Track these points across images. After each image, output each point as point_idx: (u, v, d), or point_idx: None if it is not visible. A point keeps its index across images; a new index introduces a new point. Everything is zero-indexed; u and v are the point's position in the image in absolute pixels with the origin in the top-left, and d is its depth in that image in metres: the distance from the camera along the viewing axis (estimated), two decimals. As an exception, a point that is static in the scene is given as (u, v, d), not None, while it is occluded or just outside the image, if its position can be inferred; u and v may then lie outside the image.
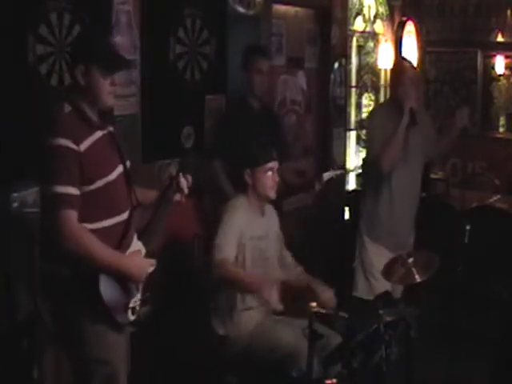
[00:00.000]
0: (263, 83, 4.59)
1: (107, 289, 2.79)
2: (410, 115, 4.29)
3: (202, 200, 4.60)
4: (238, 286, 3.61)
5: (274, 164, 3.78)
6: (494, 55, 7.42)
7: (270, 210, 3.92)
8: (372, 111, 5.74)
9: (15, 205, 3.53)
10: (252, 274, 3.67)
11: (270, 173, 3.75)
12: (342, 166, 4.85)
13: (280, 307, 3.58)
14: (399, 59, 5.16)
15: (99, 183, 2.80)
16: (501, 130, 7.49)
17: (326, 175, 4.55)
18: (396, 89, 4.47)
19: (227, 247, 3.60)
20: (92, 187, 2.78)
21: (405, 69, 4.55)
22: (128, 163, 2.98)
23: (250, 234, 3.69)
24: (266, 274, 3.79)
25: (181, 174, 3.05)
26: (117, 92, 3.20)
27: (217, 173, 4.46)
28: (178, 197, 3.07)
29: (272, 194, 3.78)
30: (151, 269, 2.95)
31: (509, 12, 7.21)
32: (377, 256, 4.48)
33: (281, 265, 3.94)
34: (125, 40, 4.16)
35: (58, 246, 2.73)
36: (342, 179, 6.71)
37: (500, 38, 7.32)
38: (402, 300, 3.97)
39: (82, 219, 2.76)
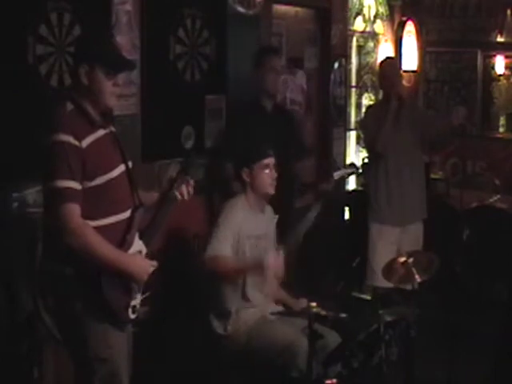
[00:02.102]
0: (277, 82, 4.61)
1: (109, 287, 2.79)
2: (397, 99, 4.76)
3: (211, 200, 4.58)
4: (234, 276, 3.62)
5: (270, 160, 3.77)
6: (494, 55, 7.42)
7: (268, 209, 3.92)
8: (368, 107, 6.03)
9: (15, 205, 3.52)
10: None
11: (267, 170, 3.74)
12: (354, 165, 4.93)
13: (281, 274, 3.58)
14: (387, 59, 5.42)
15: (100, 180, 2.80)
16: (501, 130, 7.49)
17: (337, 174, 4.57)
18: (384, 82, 4.99)
19: (220, 245, 3.60)
20: (93, 183, 2.79)
21: (389, 63, 5.16)
22: (130, 163, 2.98)
23: (248, 232, 3.68)
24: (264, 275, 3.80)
25: (181, 179, 3.05)
26: (117, 92, 3.20)
27: (229, 175, 4.43)
28: (179, 198, 3.08)
29: (271, 190, 3.78)
30: (152, 269, 2.95)
31: (509, 12, 7.20)
32: (382, 242, 4.81)
33: None
34: (125, 40, 4.16)
35: (60, 240, 2.73)
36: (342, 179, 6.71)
37: (500, 38, 7.32)
38: (419, 291, 3.96)
39: (84, 216, 2.76)
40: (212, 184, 4.34)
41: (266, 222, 3.84)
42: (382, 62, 5.24)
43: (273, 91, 4.61)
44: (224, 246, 3.61)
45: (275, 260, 3.49)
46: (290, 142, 4.51)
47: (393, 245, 4.72)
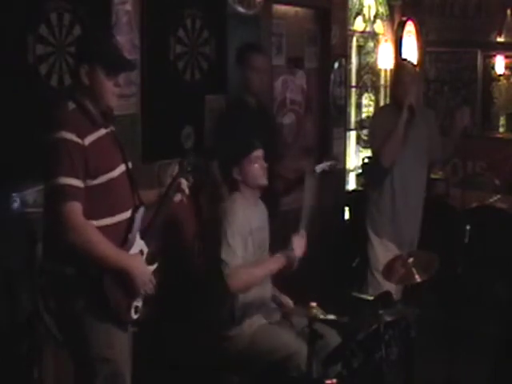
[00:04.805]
0: (260, 80, 4.57)
1: (110, 287, 2.79)
2: (408, 111, 4.45)
3: (198, 199, 4.58)
4: (260, 279, 3.62)
5: (258, 152, 3.74)
6: (494, 55, 7.42)
7: (260, 201, 3.91)
8: (374, 112, 5.86)
9: (15, 205, 3.53)
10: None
11: (256, 163, 3.71)
12: (334, 157, 4.86)
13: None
14: (399, 60, 5.27)
15: (102, 178, 2.81)
16: (501, 130, 7.50)
17: (319, 168, 4.58)
18: (396, 88, 4.65)
19: (235, 259, 3.56)
20: (95, 182, 2.79)
21: (404, 68, 4.77)
22: (130, 164, 2.99)
23: (248, 227, 3.66)
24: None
25: (181, 175, 3.06)
26: (117, 92, 3.19)
27: (214, 173, 4.44)
28: (179, 197, 3.08)
29: (264, 181, 3.75)
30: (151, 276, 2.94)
31: (509, 12, 7.21)
32: (383, 252, 4.55)
33: None
34: (125, 40, 4.16)
35: (61, 238, 2.73)
36: (341, 179, 6.72)
37: (500, 38, 7.32)
38: (402, 301, 3.98)
39: (87, 216, 2.75)
40: (198, 184, 4.33)
41: (260, 213, 3.84)
42: (398, 66, 4.95)
43: (255, 90, 4.57)
44: (239, 258, 3.58)
45: (300, 242, 3.59)
46: (271, 140, 4.45)
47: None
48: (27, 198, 3.55)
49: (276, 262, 3.61)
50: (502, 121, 7.48)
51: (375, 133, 4.71)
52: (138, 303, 2.94)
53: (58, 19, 3.73)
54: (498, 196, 6.16)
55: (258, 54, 4.60)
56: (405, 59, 6.09)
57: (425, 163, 4.74)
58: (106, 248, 2.77)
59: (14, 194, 3.52)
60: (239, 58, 4.64)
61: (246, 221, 3.67)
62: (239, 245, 3.58)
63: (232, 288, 3.53)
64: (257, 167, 3.71)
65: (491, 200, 6.05)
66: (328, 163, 4.68)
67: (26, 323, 3.47)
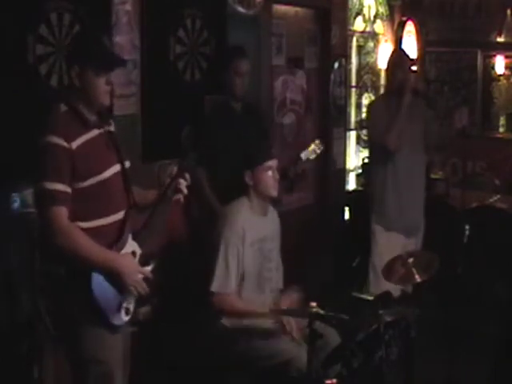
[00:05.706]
0: (244, 84, 4.52)
1: (100, 289, 2.78)
2: (412, 94, 4.55)
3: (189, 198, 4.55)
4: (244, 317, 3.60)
5: (273, 162, 3.76)
6: (494, 55, 7.42)
7: (271, 210, 3.90)
8: (371, 103, 5.86)
9: (15, 205, 3.53)
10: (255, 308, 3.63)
11: (270, 171, 3.73)
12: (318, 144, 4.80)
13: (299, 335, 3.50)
14: (397, 50, 5.30)
15: (92, 180, 2.81)
16: (501, 130, 7.49)
17: (304, 155, 4.56)
18: (395, 75, 4.71)
19: (229, 279, 3.57)
20: (85, 184, 2.79)
21: (400, 55, 4.96)
22: (127, 163, 2.98)
23: (251, 238, 3.64)
24: (268, 278, 3.78)
25: (180, 175, 3.05)
26: (117, 92, 3.19)
27: (200, 178, 4.38)
28: (177, 197, 3.07)
29: (274, 193, 3.76)
30: (141, 276, 2.93)
31: (509, 12, 7.20)
32: (388, 247, 4.49)
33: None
34: (125, 40, 4.16)
35: (49, 241, 2.75)
36: (341, 179, 6.72)
37: (500, 38, 7.32)
38: (401, 299, 3.97)
39: (76, 217, 2.77)
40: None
41: (269, 223, 3.82)
42: (393, 53, 5.05)
43: (239, 94, 4.49)
44: (234, 277, 3.58)
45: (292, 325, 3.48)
46: (259, 143, 4.41)
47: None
48: (27, 198, 3.54)
49: (265, 318, 3.56)
50: (502, 121, 7.47)
51: (376, 119, 4.74)
52: (129, 305, 2.93)
53: (57, 19, 3.73)
54: (498, 196, 6.17)
55: (242, 58, 4.51)
56: (402, 50, 6.11)
57: (422, 149, 4.77)
58: (94, 250, 2.77)
59: (13, 194, 3.52)
60: (222, 63, 4.60)
61: (249, 230, 3.65)
62: (233, 272, 3.58)
63: (213, 306, 3.57)
64: (270, 176, 3.71)
65: (491, 200, 6.06)
66: (313, 148, 4.65)
67: (26, 323, 3.47)
